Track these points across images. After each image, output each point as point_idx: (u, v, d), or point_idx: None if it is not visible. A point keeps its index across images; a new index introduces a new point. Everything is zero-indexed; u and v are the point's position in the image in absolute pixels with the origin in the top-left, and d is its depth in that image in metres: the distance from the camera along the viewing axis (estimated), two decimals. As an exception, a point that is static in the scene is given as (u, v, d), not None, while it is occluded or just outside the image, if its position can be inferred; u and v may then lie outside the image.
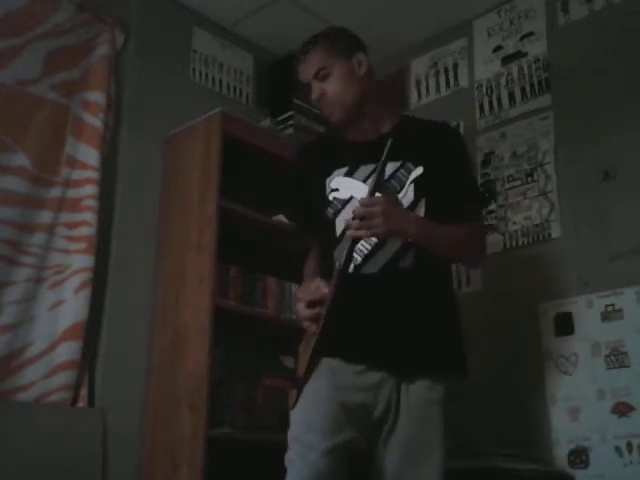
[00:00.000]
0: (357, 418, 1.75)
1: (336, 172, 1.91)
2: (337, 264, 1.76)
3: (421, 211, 1.85)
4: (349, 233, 1.74)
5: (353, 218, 1.73)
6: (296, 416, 1.78)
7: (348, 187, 1.88)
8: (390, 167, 1.84)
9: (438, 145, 1.92)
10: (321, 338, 1.73)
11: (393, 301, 1.81)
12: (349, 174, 1.89)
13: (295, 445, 1.74)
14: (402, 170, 1.87)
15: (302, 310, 1.77)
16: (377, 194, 1.77)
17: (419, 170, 1.87)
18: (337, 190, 1.89)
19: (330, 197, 1.90)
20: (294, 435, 1.76)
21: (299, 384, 1.79)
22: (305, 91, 2.02)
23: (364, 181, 1.86)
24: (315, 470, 1.67)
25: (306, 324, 1.78)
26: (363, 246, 1.82)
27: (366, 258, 1.82)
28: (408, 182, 1.86)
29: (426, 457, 1.77)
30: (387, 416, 1.78)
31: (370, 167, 1.85)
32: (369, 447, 1.81)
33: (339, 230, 1.87)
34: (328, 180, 1.91)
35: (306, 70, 1.95)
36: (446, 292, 1.94)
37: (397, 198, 1.82)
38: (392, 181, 1.85)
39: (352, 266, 1.80)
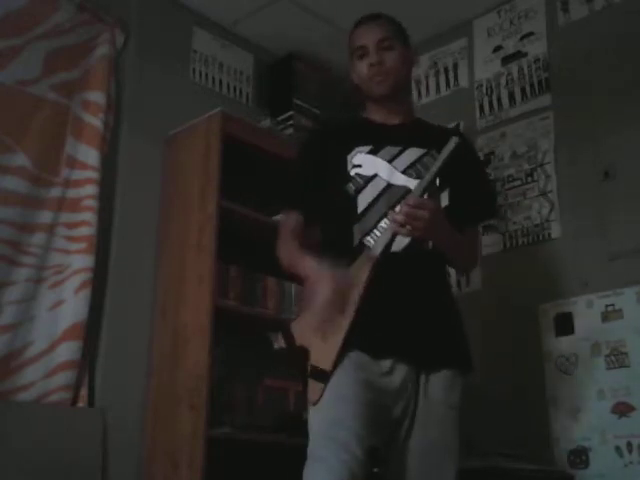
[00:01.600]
0: (379, 419, 1.71)
1: (358, 149, 1.90)
2: (370, 250, 1.75)
3: (445, 199, 1.90)
4: (393, 228, 1.73)
5: (395, 215, 1.73)
6: (323, 412, 1.70)
7: (372, 165, 1.88)
8: (414, 152, 1.88)
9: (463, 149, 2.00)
10: (351, 329, 1.70)
11: (418, 286, 1.81)
12: (373, 152, 1.89)
13: (326, 442, 1.63)
14: (428, 157, 1.89)
15: (326, 293, 1.68)
16: (424, 194, 1.78)
17: None
18: (360, 166, 1.88)
19: (352, 172, 1.88)
20: (323, 432, 1.66)
21: (325, 378, 1.70)
22: (358, 52, 1.98)
23: (390, 161, 1.87)
24: (351, 471, 1.59)
25: (321, 310, 1.71)
26: (385, 223, 1.81)
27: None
28: (434, 170, 1.87)
29: (446, 461, 1.77)
30: (405, 417, 1.75)
31: (396, 149, 1.88)
32: (385, 448, 1.79)
33: (361, 207, 1.85)
34: (349, 156, 1.90)
35: (372, 33, 1.97)
36: (448, 281, 2.01)
37: (440, 204, 1.85)
38: (418, 166, 1.87)
39: (373, 242, 1.79)
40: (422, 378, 1.77)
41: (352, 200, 1.86)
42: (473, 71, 3.33)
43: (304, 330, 1.78)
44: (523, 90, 3.11)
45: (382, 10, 2.07)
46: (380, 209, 1.83)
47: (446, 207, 1.89)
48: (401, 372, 1.75)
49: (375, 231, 1.80)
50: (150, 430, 2.70)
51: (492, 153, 3.14)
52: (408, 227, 1.71)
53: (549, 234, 2.87)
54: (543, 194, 2.93)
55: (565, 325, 2.73)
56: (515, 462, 2.40)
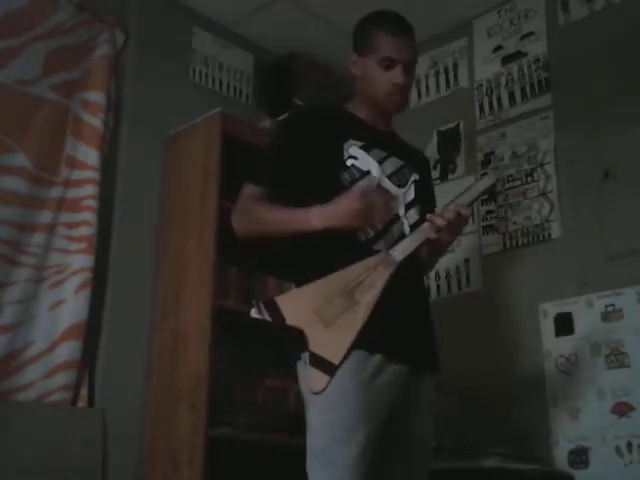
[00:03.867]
0: (377, 416, 1.68)
1: (353, 141, 1.87)
2: (389, 253, 1.73)
3: (417, 215, 1.89)
4: (427, 233, 1.74)
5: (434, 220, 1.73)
6: (327, 418, 1.65)
7: (366, 161, 1.86)
8: (395, 161, 1.90)
9: (423, 166, 2.06)
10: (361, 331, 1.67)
11: (414, 291, 1.85)
12: (365, 149, 1.87)
13: (326, 466, 1.61)
14: (405, 169, 1.92)
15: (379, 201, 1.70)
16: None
17: (416, 176, 1.95)
18: (356, 158, 1.85)
19: (348, 162, 1.84)
20: (324, 450, 1.63)
21: (331, 370, 1.65)
22: (386, 64, 1.90)
23: (379, 162, 1.87)
24: (357, 461, 1.60)
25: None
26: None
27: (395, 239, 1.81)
28: (410, 181, 1.92)
29: (428, 455, 1.82)
30: (397, 414, 1.73)
31: (383, 153, 1.88)
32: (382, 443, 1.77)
33: None
34: (346, 145, 1.86)
35: (405, 50, 1.91)
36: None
37: None
38: (399, 174, 1.90)
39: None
40: (413, 377, 1.76)
41: (345, 190, 1.77)
42: (473, 71, 3.33)
43: (298, 310, 1.71)
44: (523, 90, 3.11)
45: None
46: None
47: (419, 221, 1.89)
48: (394, 369, 1.71)
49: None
50: (150, 430, 2.70)
51: (492, 153, 3.14)
52: (447, 233, 1.73)
53: (549, 234, 2.87)
54: (543, 194, 2.93)
55: (565, 325, 2.73)
56: (515, 462, 2.40)
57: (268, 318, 1.76)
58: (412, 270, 1.83)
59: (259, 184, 1.87)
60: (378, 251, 1.76)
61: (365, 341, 1.68)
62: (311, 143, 1.85)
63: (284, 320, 1.71)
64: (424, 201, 1.93)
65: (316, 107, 2.10)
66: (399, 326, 1.75)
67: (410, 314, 1.80)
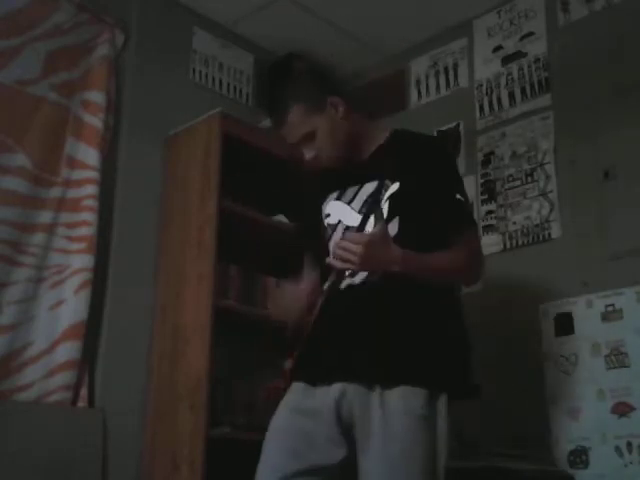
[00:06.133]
0: (321, 441, 1.73)
1: (329, 197, 1.95)
2: (324, 286, 1.82)
3: (394, 228, 1.80)
4: (329, 260, 1.76)
5: (335, 252, 1.75)
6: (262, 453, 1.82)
7: (337, 211, 1.92)
8: (369, 187, 1.87)
9: (420, 161, 1.87)
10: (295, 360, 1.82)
11: (365, 313, 1.78)
12: (339, 198, 1.93)
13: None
14: (381, 187, 1.87)
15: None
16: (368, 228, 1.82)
17: (395, 186, 1.84)
18: (329, 215, 1.93)
19: (325, 223, 1.94)
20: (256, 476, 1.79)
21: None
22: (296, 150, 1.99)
23: (349, 203, 1.90)
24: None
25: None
26: None
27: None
28: (384, 200, 1.84)
29: (412, 472, 1.65)
30: (352, 432, 1.73)
31: (355, 188, 1.89)
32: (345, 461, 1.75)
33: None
34: (324, 206, 1.96)
35: (291, 137, 1.93)
36: (428, 302, 1.85)
37: (386, 233, 1.74)
38: (369, 200, 1.86)
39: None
40: (375, 393, 1.71)
41: (326, 248, 1.90)
42: (473, 71, 3.33)
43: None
44: (523, 90, 3.11)
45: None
46: None
47: (400, 234, 1.80)
48: (333, 391, 1.75)
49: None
50: (150, 430, 2.70)
51: (492, 153, 3.14)
52: (343, 263, 1.72)
53: (549, 234, 2.87)
54: (543, 194, 2.93)
55: (565, 325, 2.73)
56: (515, 462, 2.40)
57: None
58: (378, 294, 1.78)
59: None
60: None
61: (292, 372, 1.86)
62: (309, 210, 2.04)
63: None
64: (409, 208, 1.82)
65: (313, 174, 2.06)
66: (328, 349, 1.79)
67: (344, 334, 1.78)
